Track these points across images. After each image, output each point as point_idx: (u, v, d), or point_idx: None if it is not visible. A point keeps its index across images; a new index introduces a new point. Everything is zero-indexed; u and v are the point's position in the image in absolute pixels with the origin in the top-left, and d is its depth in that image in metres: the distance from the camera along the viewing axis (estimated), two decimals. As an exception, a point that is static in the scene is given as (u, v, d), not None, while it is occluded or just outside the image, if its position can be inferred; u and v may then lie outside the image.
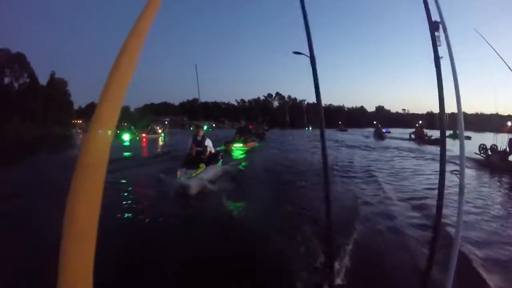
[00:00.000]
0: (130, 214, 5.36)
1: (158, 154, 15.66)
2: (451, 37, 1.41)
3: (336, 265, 3.19)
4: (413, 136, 30.15)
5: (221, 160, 9.06)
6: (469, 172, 10.00)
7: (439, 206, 1.31)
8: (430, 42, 1.36)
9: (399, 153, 17.01)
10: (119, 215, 5.25)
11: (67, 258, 0.43)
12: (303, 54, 1.19)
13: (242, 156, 14.86)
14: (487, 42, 4.96)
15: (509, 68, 6.45)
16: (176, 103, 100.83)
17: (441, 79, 1.33)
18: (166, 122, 50.94)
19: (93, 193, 0.47)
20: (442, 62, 1.39)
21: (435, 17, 1.43)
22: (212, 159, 8.29)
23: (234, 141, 18.02)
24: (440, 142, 1.38)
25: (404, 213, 5.55)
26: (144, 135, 29.06)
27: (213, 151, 8.60)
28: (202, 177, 7.07)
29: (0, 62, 37.14)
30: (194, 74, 14.61)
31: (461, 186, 1.36)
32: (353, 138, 31.52)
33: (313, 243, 3.91)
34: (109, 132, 0.52)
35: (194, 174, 7.02)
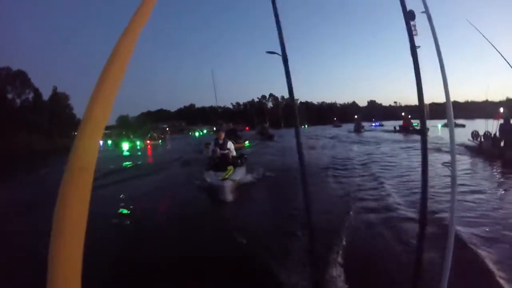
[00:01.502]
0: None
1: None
2: (438, 26, 1.38)
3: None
4: (397, 128, 30.39)
5: (245, 164, 8.73)
6: (463, 158, 10.05)
7: (424, 196, 1.27)
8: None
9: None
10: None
11: (56, 260, 0.43)
12: (276, 53, 1.13)
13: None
14: (480, 32, 4.85)
15: (503, 56, 6.32)
16: (172, 109, 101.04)
17: (419, 68, 1.29)
18: (167, 129, 50.79)
19: (82, 195, 0.46)
20: (428, 51, 1.36)
21: (416, 7, 1.39)
22: (236, 162, 8.14)
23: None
24: (421, 133, 1.34)
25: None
26: (148, 142, 29.65)
27: (234, 154, 8.53)
28: (235, 179, 6.91)
29: (2, 80, 37.85)
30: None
31: (453, 177, 1.32)
32: (339, 133, 32.69)
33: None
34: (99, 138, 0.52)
35: (227, 176, 6.77)
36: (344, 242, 3.87)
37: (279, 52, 1.16)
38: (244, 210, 5.96)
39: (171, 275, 3.43)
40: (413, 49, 1.30)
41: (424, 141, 1.33)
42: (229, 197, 6.24)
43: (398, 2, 1.29)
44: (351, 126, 39.83)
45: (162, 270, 3.54)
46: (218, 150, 8.17)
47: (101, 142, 0.55)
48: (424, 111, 1.30)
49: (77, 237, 0.45)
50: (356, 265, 3.35)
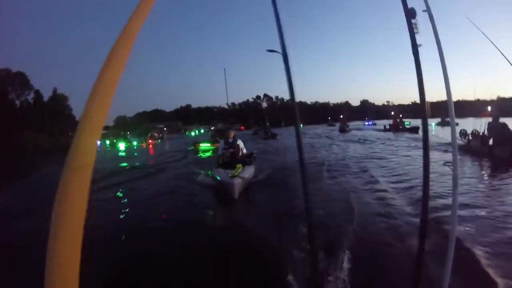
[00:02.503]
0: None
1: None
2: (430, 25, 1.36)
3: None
4: (387, 127, 30.65)
5: (254, 163, 8.67)
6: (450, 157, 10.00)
7: (425, 197, 1.24)
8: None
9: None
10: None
11: (54, 259, 0.42)
12: (277, 51, 1.10)
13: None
14: (481, 31, 4.70)
15: (503, 55, 6.16)
16: (167, 109, 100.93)
17: (420, 67, 1.25)
18: (165, 129, 50.76)
19: (80, 195, 0.46)
20: (425, 50, 1.34)
21: (413, 4, 1.37)
22: (245, 160, 8.15)
23: (203, 141, 20.12)
24: (423, 132, 1.31)
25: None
26: (150, 141, 30.24)
27: (245, 151, 8.57)
28: (244, 176, 6.87)
29: (2, 81, 37.96)
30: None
31: (455, 177, 1.30)
32: (330, 133, 32.87)
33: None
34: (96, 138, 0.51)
35: (236, 174, 6.72)
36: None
37: (279, 50, 1.13)
38: (252, 209, 5.96)
39: (171, 276, 3.34)
40: (415, 48, 1.27)
41: (425, 141, 1.30)
42: (237, 194, 6.25)
43: (395, 2, 1.27)
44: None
45: (160, 270, 3.46)
46: (228, 148, 8.25)
47: (98, 142, 0.54)
48: (425, 111, 1.27)
49: (75, 236, 0.44)
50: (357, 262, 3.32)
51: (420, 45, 1.24)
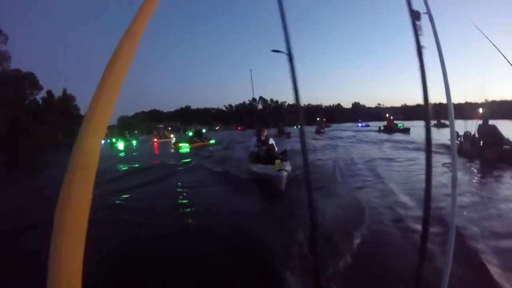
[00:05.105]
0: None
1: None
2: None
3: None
4: (382, 128, 31.27)
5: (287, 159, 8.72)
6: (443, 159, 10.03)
7: (427, 197, 1.22)
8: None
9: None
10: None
11: (57, 258, 0.41)
12: (281, 51, 1.08)
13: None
14: (484, 34, 4.57)
15: (504, 56, 6.03)
16: (164, 110, 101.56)
17: (424, 70, 1.23)
18: (169, 128, 51.49)
19: (83, 194, 0.45)
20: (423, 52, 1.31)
21: (416, 6, 1.34)
22: (279, 157, 8.15)
23: (183, 141, 21.82)
24: (426, 135, 1.30)
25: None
26: (156, 139, 31.02)
27: (276, 149, 8.77)
28: (288, 170, 6.97)
29: (12, 81, 38.50)
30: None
31: (454, 177, 1.28)
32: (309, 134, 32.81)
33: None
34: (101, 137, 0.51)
35: (282, 168, 6.84)
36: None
37: (282, 50, 1.11)
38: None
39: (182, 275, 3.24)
40: (419, 50, 1.24)
41: (428, 142, 1.29)
42: (284, 186, 6.41)
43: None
44: (335, 126, 39.92)
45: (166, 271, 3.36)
46: (261, 145, 8.57)
47: (102, 142, 0.53)
48: (428, 112, 1.25)
49: (78, 236, 0.43)
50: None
51: (423, 46, 1.22)
